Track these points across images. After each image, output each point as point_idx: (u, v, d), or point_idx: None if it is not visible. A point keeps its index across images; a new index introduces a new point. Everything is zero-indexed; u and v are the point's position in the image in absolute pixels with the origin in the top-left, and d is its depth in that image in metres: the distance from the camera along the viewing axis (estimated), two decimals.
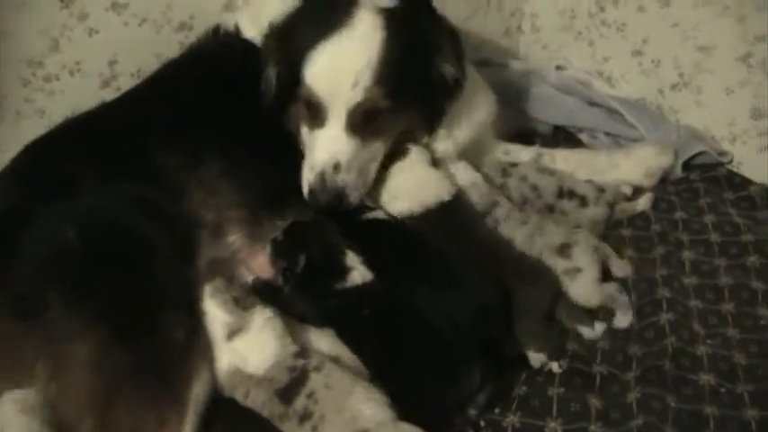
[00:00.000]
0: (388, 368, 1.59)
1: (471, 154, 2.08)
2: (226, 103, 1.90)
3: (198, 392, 1.51)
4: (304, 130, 1.87)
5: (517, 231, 1.90)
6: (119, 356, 1.48)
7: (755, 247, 1.99)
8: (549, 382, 1.69)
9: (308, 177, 1.82)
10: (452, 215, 1.87)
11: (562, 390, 1.67)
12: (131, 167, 1.75)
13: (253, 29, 2.00)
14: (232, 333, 1.59)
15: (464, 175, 1.99)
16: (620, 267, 1.87)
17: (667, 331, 1.77)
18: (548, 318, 1.75)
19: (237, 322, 1.60)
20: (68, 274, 1.54)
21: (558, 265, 1.80)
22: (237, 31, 2.03)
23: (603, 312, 1.80)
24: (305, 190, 1.83)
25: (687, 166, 2.28)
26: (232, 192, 1.81)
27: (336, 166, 1.80)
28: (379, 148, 1.87)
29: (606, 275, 1.84)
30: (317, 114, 1.81)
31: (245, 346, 1.59)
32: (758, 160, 2.25)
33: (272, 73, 1.89)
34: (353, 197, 1.83)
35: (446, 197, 1.88)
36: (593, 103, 2.46)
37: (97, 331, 1.49)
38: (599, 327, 1.78)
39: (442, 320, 1.64)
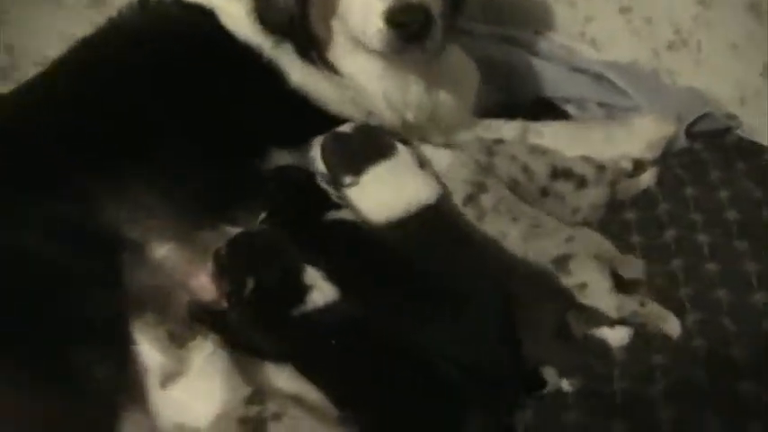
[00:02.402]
0: (362, 409, 1.32)
1: (448, 132, 1.89)
2: (155, 85, 1.66)
3: None
4: None
5: (509, 228, 1.64)
6: (26, 409, 1.24)
7: None
8: (562, 405, 1.42)
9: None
10: (440, 219, 1.62)
11: (577, 414, 1.40)
12: (32, 178, 1.48)
13: None
14: (167, 378, 1.31)
15: (441, 156, 1.75)
16: (630, 267, 1.59)
17: (694, 333, 1.51)
18: (559, 332, 1.48)
19: (173, 364, 1.31)
20: None
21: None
22: None
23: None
24: (380, 11, 1.56)
25: (689, 134, 2.02)
26: (158, 196, 1.52)
27: None
28: None
29: None
30: None
31: (185, 393, 1.30)
32: None
33: None
34: (437, 29, 1.59)
35: (432, 199, 1.62)
36: (578, 70, 2.22)
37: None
38: (623, 330, 1.51)
39: (427, 349, 1.37)
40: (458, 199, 1.68)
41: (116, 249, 1.43)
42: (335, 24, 1.74)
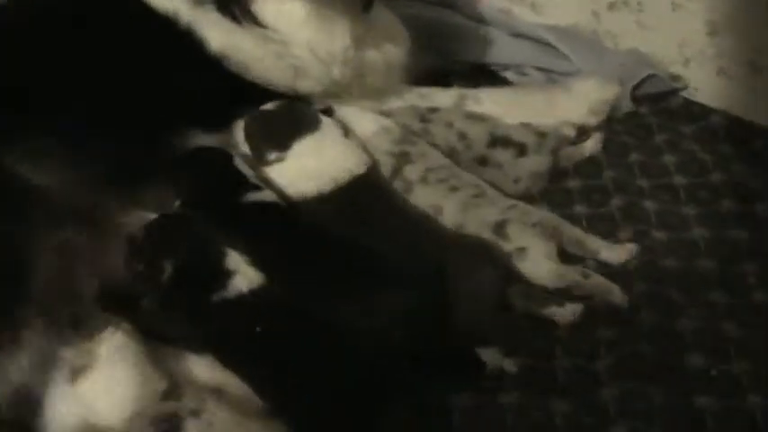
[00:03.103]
0: (287, 400, 1.23)
1: (378, 97, 1.80)
2: (59, 56, 1.57)
3: None
4: None
5: (446, 200, 1.56)
6: None
7: (728, 189, 1.71)
8: (500, 386, 1.33)
9: None
10: (368, 190, 1.55)
11: (517, 395, 1.32)
12: None
13: None
14: (75, 372, 1.20)
15: (365, 121, 1.68)
16: (613, 251, 1.54)
17: (641, 305, 1.45)
18: (500, 306, 1.40)
19: (80, 356, 1.20)
20: None
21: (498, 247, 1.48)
22: None
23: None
24: None
25: (634, 98, 1.96)
26: (60, 171, 1.42)
27: None
28: None
29: None
30: None
31: (92, 388, 1.19)
32: (717, 84, 1.95)
33: None
34: None
35: (361, 169, 1.55)
36: (516, 35, 2.13)
37: None
38: (572, 307, 1.43)
39: (355, 331, 1.28)
40: (385, 172, 1.62)
41: (14, 228, 1.32)
42: None
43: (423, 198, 1.58)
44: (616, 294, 1.45)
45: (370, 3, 1.76)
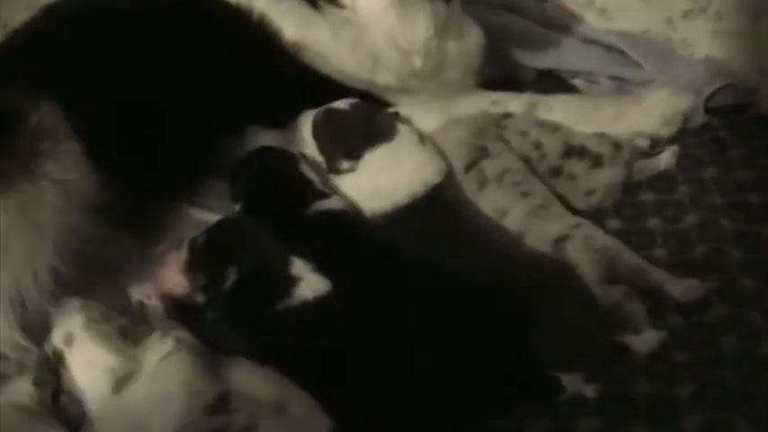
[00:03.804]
0: (352, 415, 1.16)
1: (452, 95, 1.78)
2: (126, 47, 1.55)
3: None
4: None
5: (514, 205, 1.51)
6: None
7: None
8: (579, 413, 1.27)
9: None
10: (440, 202, 1.49)
11: (597, 422, 1.26)
12: None
13: None
14: (120, 382, 1.16)
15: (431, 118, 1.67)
16: (681, 287, 1.42)
17: (721, 328, 1.38)
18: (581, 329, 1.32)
19: (127, 365, 1.17)
20: None
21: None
22: None
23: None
24: None
25: (708, 110, 1.89)
26: (111, 162, 1.37)
27: None
28: None
29: None
30: None
31: (139, 399, 1.14)
32: None
33: None
34: None
35: (437, 178, 1.50)
36: (586, 41, 2.09)
37: None
38: (653, 334, 1.35)
39: (423, 348, 1.23)
40: (457, 167, 1.57)
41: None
42: None
43: (492, 198, 1.53)
44: (649, 334, 1.36)
45: None
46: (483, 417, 1.22)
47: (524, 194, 1.53)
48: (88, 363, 1.18)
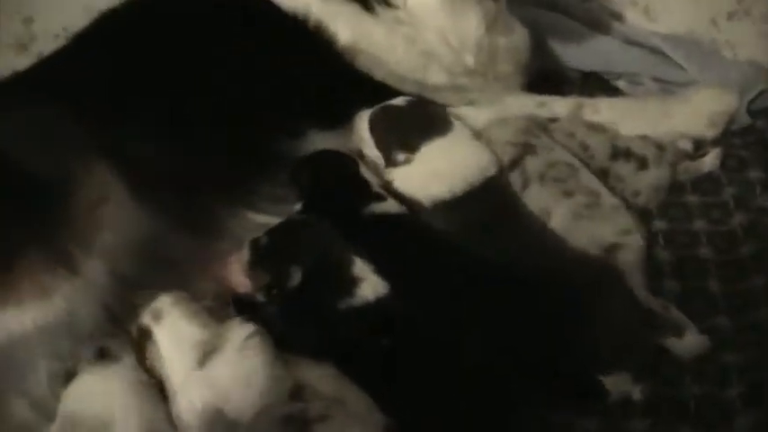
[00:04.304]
0: (409, 416, 1.19)
1: (501, 93, 1.81)
2: (184, 55, 1.59)
3: None
4: None
5: (557, 205, 1.52)
6: None
7: None
8: (629, 413, 1.29)
9: None
10: (497, 194, 1.52)
11: (648, 423, 1.28)
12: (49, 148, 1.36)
13: None
14: (206, 355, 1.20)
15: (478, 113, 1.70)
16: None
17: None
18: (628, 329, 1.33)
19: (212, 340, 1.21)
20: None
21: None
22: None
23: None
24: None
25: (750, 112, 1.88)
26: (171, 167, 1.42)
27: None
28: None
29: None
30: None
31: (224, 374, 1.18)
32: None
33: None
34: None
35: (492, 170, 1.53)
36: (630, 42, 2.08)
37: None
38: (695, 339, 1.36)
39: (480, 344, 1.26)
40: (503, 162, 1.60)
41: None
42: None
43: (536, 198, 1.54)
44: (691, 332, 1.38)
45: None
46: (534, 411, 1.25)
47: (567, 193, 1.54)
48: (176, 336, 1.22)
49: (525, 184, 1.56)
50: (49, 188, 1.28)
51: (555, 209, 1.52)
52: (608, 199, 1.54)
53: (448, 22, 1.73)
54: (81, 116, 1.36)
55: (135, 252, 1.29)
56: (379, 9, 1.71)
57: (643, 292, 1.41)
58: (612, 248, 1.46)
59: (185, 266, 1.36)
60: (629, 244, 1.47)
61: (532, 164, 1.57)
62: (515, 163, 1.58)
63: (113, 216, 1.29)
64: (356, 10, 1.70)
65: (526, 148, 1.60)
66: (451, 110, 1.70)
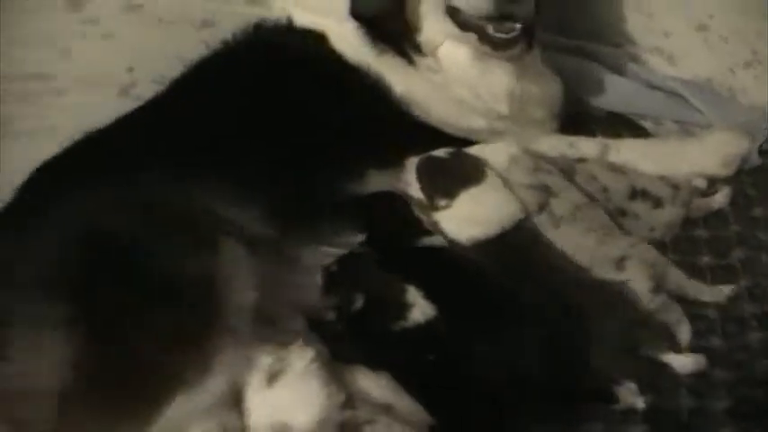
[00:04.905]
0: (448, 417, 1.45)
1: (534, 138, 1.97)
2: (263, 104, 1.79)
3: (177, 411, 1.39)
4: None
5: (583, 238, 1.74)
6: (92, 358, 1.39)
7: None
8: (630, 420, 1.51)
9: None
10: (524, 234, 1.73)
11: (645, 428, 1.49)
12: (150, 181, 1.61)
13: (308, 14, 1.89)
14: (272, 378, 1.43)
15: (497, 155, 1.84)
16: (710, 292, 1.69)
17: (758, 352, 1.60)
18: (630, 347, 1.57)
19: (277, 364, 1.44)
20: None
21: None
22: (288, 22, 1.90)
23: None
24: None
25: (762, 152, 2.05)
26: (257, 207, 1.63)
27: None
28: None
29: None
30: None
31: (287, 395, 1.42)
32: None
33: None
34: None
35: (521, 215, 1.73)
36: (653, 86, 2.25)
37: (74, 331, 1.39)
38: (692, 357, 1.58)
39: (510, 364, 1.49)
40: (530, 207, 1.77)
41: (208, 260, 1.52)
42: (426, 11, 1.86)
43: (567, 235, 1.74)
44: (684, 329, 1.61)
45: (532, 40, 1.92)
46: (546, 418, 1.47)
47: (589, 229, 1.74)
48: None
49: (557, 225, 1.75)
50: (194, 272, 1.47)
51: (583, 242, 1.73)
52: (616, 228, 1.77)
53: (478, 75, 1.89)
54: (183, 181, 1.57)
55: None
56: (415, 57, 1.87)
57: (648, 295, 1.62)
58: (622, 259, 1.68)
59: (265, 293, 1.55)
60: (634, 254, 1.69)
61: (558, 206, 1.76)
62: (543, 207, 1.76)
63: (240, 279, 1.50)
64: (402, 62, 1.87)
65: (547, 190, 1.78)
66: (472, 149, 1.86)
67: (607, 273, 1.68)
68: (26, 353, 1.39)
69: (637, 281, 1.64)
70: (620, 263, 1.68)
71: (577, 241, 1.73)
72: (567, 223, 1.75)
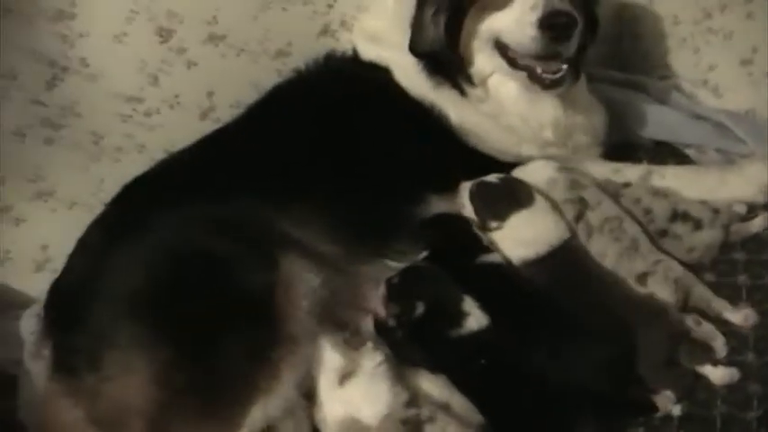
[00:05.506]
0: (499, 418, 1.58)
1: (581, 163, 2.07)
2: (332, 132, 1.92)
3: (256, 416, 1.53)
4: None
5: (609, 248, 1.86)
6: (178, 374, 1.53)
7: None
8: (668, 426, 1.63)
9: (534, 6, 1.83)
10: (572, 253, 1.84)
11: None
12: (225, 200, 1.75)
13: (373, 48, 2.03)
14: (344, 377, 1.58)
15: (537, 168, 1.97)
16: (738, 315, 1.77)
17: None
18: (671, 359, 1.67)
19: (349, 365, 1.58)
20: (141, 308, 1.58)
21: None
22: (355, 54, 2.05)
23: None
24: (534, 19, 1.82)
25: None
26: (325, 230, 1.78)
27: None
28: None
29: None
30: None
31: (358, 393, 1.57)
32: None
33: (428, 13, 1.95)
34: (577, 34, 1.86)
35: (567, 235, 1.85)
36: (697, 117, 2.35)
37: (161, 350, 1.53)
38: (727, 371, 1.68)
39: (558, 373, 1.61)
40: (568, 218, 1.91)
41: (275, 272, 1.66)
42: (478, 46, 1.99)
43: (597, 244, 1.87)
44: (719, 341, 1.70)
45: (579, 72, 2.04)
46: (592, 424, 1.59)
47: (617, 239, 1.85)
48: (322, 362, 1.60)
49: (590, 234, 1.88)
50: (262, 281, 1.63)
51: (608, 252, 1.86)
52: (644, 244, 1.87)
53: (526, 106, 2.01)
54: (258, 202, 1.72)
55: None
56: (467, 88, 2.00)
57: (675, 313, 1.72)
58: (644, 275, 1.79)
59: (337, 302, 1.71)
60: (658, 270, 1.79)
61: (593, 217, 1.88)
62: (579, 218, 1.88)
63: (299, 290, 1.65)
64: (457, 94, 1.99)
65: (582, 203, 1.90)
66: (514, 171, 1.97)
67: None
68: (118, 369, 1.54)
69: (662, 296, 1.75)
70: (641, 277, 1.79)
71: (597, 250, 1.85)
72: (598, 234, 1.87)
